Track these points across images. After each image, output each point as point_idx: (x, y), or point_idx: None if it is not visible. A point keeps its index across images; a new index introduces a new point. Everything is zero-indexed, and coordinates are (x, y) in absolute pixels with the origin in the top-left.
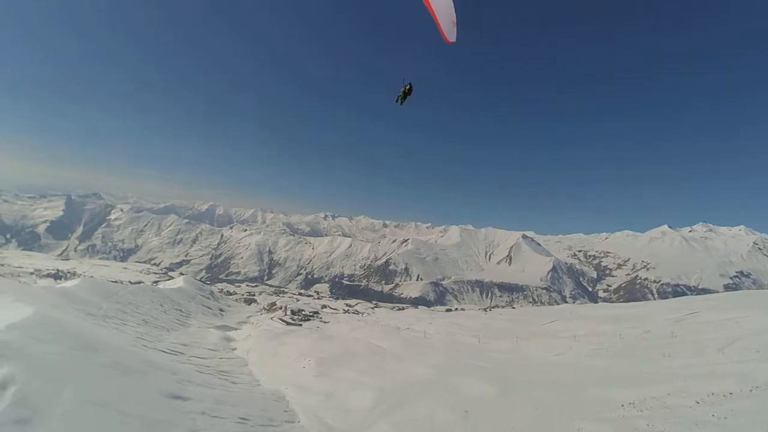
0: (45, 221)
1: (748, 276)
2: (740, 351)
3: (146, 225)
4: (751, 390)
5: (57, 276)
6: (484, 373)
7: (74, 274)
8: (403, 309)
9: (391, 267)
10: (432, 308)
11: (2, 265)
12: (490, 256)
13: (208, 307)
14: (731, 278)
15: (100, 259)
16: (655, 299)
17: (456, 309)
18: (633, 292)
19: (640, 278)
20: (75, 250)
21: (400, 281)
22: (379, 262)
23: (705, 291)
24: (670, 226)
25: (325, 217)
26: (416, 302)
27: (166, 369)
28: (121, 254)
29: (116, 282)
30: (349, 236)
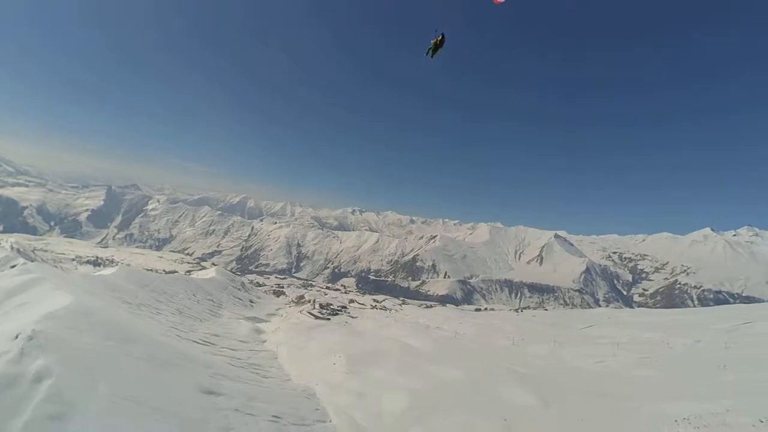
0: (86, 210)
1: None
2: None
3: (181, 216)
4: None
5: (96, 263)
6: (522, 380)
7: (112, 261)
8: (430, 306)
9: (418, 263)
10: (460, 307)
11: (46, 251)
12: (520, 256)
13: (238, 298)
14: None
15: (136, 247)
16: (695, 306)
17: (485, 309)
18: (671, 297)
19: (680, 283)
20: (113, 239)
21: (427, 278)
22: (406, 258)
23: (750, 299)
24: (712, 229)
25: (353, 212)
26: (443, 300)
27: (199, 362)
28: (157, 243)
29: (151, 270)
30: (376, 231)
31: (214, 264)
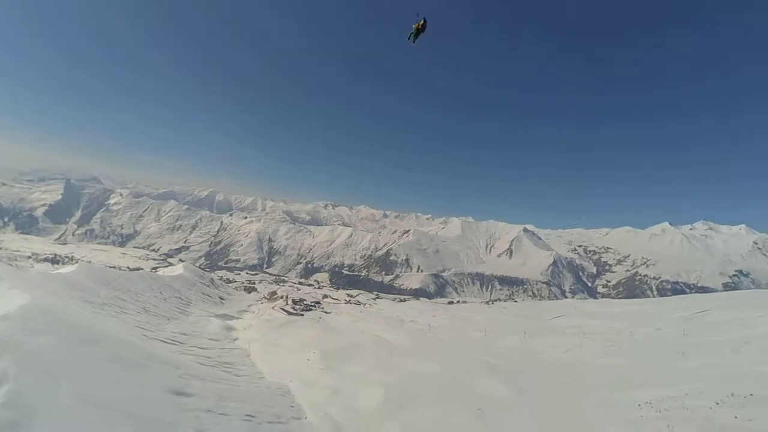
0: (43, 205)
1: (747, 275)
2: (756, 352)
3: (145, 210)
4: None
5: (54, 260)
6: (495, 371)
7: (72, 259)
8: (404, 300)
9: (391, 258)
10: (433, 300)
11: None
12: (490, 249)
13: (208, 295)
14: (730, 277)
15: (98, 244)
16: (654, 296)
17: (458, 302)
18: (632, 288)
19: (640, 275)
20: (73, 235)
21: (401, 272)
22: (380, 253)
23: (704, 289)
24: (670, 224)
25: (326, 206)
26: (417, 294)
27: (168, 362)
28: (120, 239)
29: (115, 268)
30: (349, 226)
31: (181, 260)
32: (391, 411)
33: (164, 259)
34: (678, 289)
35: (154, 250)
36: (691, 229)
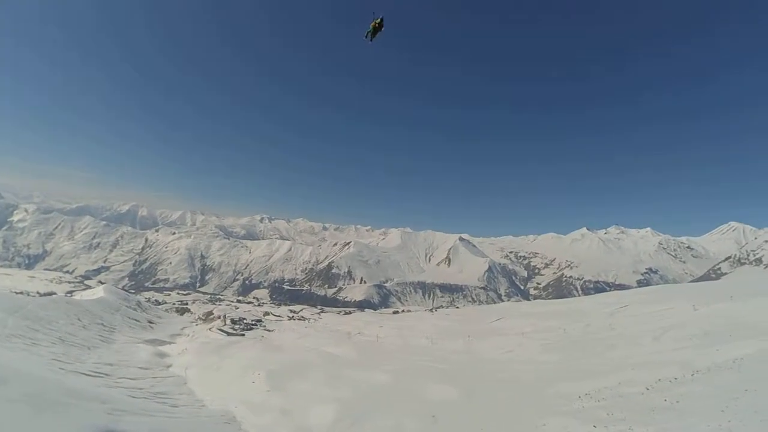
0: None
1: (656, 272)
2: (674, 340)
3: (56, 228)
4: (693, 375)
5: None
6: (443, 376)
7: None
8: (349, 313)
9: (333, 270)
10: (378, 311)
11: None
12: (430, 258)
13: (135, 320)
14: (642, 274)
15: (0, 267)
16: (579, 295)
17: (402, 311)
18: (560, 289)
19: (566, 276)
20: None
21: (344, 285)
22: (321, 266)
23: (621, 286)
24: (588, 229)
25: (261, 220)
26: (361, 305)
27: (92, 397)
28: (27, 261)
29: (22, 293)
30: (288, 239)
31: (101, 282)
32: (345, 426)
33: (81, 282)
34: (599, 287)
35: (68, 271)
36: (605, 233)
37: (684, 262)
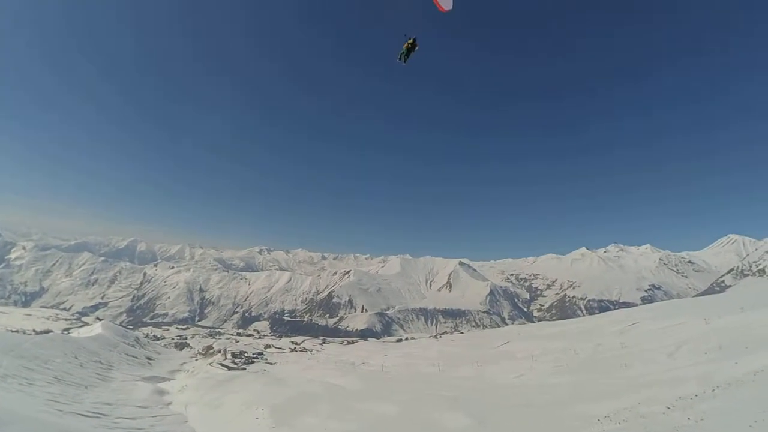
0: None
1: (659, 288)
2: (689, 355)
3: (54, 264)
4: (713, 390)
5: None
6: (455, 404)
7: None
8: (352, 342)
9: (334, 300)
10: (381, 339)
11: None
12: (430, 284)
13: (133, 356)
14: (646, 291)
15: None
16: (584, 315)
17: (406, 338)
18: (564, 309)
19: (569, 296)
20: None
21: (345, 314)
22: (322, 296)
23: (626, 304)
24: (587, 248)
25: (260, 251)
26: (363, 334)
27: None
28: (24, 299)
29: (18, 332)
30: (287, 270)
31: (98, 318)
32: None
33: (78, 319)
34: (604, 306)
35: (65, 308)
36: (605, 251)
37: (686, 277)
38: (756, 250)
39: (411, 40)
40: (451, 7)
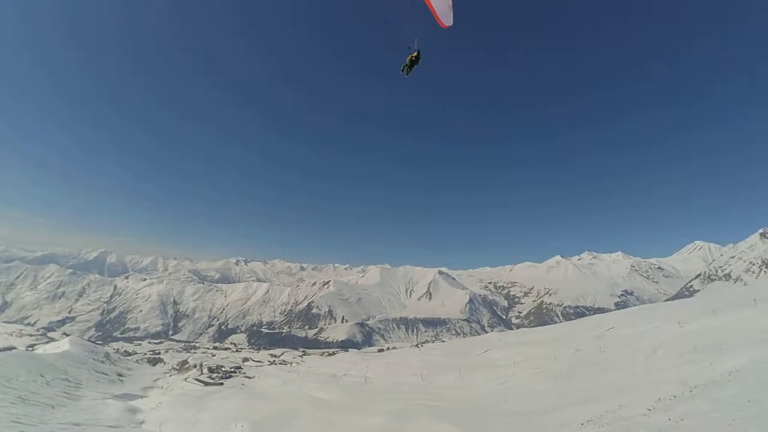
0: None
1: (631, 294)
2: (665, 357)
3: (18, 277)
4: (691, 391)
5: None
6: (441, 413)
7: None
8: (333, 354)
9: (313, 311)
10: (362, 350)
11: None
12: (410, 293)
13: (103, 373)
14: (619, 296)
15: None
16: (561, 321)
17: (387, 348)
18: (541, 316)
19: (545, 303)
20: None
21: (325, 325)
22: (301, 307)
23: (601, 310)
24: (562, 256)
25: (237, 262)
26: (344, 345)
27: None
28: None
29: None
30: (265, 281)
31: (66, 334)
32: None
33: (44, 334)
34: (580, 312)
35: (29, 323)
36: (579, 259)
37: (657, 282)
38: (721, 255)
39: (415, 53)
40: (451, 23)
